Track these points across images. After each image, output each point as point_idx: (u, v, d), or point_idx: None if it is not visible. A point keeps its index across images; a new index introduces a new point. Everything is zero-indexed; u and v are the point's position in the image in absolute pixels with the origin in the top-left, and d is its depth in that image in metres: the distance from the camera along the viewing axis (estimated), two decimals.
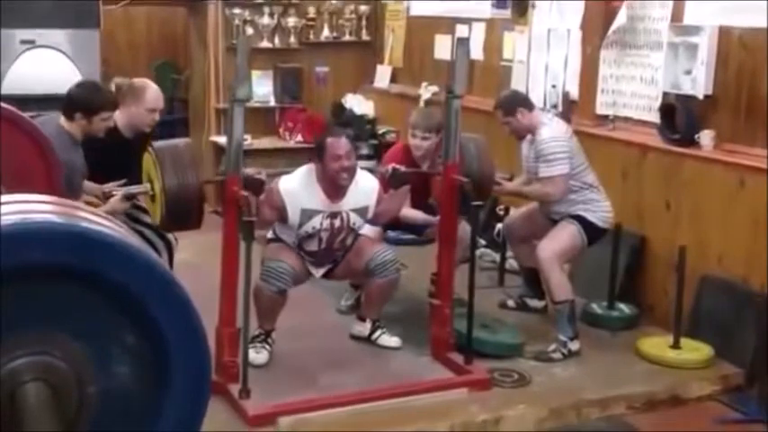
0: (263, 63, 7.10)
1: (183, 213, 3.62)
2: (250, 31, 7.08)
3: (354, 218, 4.12)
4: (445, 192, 4.10)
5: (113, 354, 1.50)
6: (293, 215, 4.02)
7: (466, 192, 3.99)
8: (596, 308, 4.64)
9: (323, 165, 4.00)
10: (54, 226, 1.42)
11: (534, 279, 4.74)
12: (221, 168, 5.85)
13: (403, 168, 4.45)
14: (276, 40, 7.25)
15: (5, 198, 1.52)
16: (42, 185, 2.95)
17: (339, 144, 4.00)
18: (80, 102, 3.79)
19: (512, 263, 5.35)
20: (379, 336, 4.30)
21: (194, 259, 5.04)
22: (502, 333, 4.33)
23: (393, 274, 4.20)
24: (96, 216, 1.53)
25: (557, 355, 4.17)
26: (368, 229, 4.31)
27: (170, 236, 4.32)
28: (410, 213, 4.55)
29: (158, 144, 3.74)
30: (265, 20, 7.16)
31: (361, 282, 4.47)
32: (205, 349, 1.55)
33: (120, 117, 4.11)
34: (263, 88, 7.15)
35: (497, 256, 5.42)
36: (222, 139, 6.71)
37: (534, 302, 4.79)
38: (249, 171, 3.92)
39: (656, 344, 4.24)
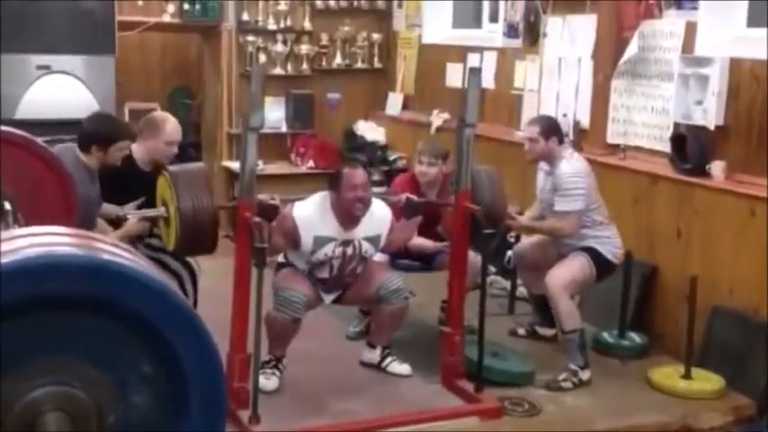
0: (276, 89, 7.15)
1: (198, 237, 3.59)
2: (263, 57, 7.13)
3: (366, 246, 4.13)
4: (457, 219, 4.12)
5: (132, 383, 1.51)
6: (306, 242, 4.02)
7: (477, 219, 4.00)
8: (607, 336, 4.63)
9: (338, 194, 4.00)
10: (76, 258, 1.45)
11: (544, 306, 4.74)
12: (234, 194, 5.89)
13: (416, 198, 4.47)
14: (289, 67, 7.30)
15: (28, 230, 1.54)
16: (56, 206, 2.97)
17: (355, 174, 4.01)
18: (95, 135, 3.79)
19: (522, 290, 5.34)
20: (390, 363, 4.30)
21: (205, 284, 5.05)
22: (512, 361, 4.33)
23: (403, 302, 4.21)
24: (116, 247, 1.56)
25: (567, 385, 4.16)
26: (376, 256, 4.33)
27: (193, 263, 4.30)
28: (418, 241, 4.56)
29: (173, 168, 3.73)
30: (278, 47, 7.21)
31: (370, 308, 4.48)
32: (222, 379, 1.57)
33: (137, 150, 4.10)
34: (275, 114, 7.20)
35: (508, 284, 5.42)
36: (234, 165, 6.76)
37: (544, 330, 4.78)
38: (263, 197, 3.90)
39: (667, 374, 4.23)
